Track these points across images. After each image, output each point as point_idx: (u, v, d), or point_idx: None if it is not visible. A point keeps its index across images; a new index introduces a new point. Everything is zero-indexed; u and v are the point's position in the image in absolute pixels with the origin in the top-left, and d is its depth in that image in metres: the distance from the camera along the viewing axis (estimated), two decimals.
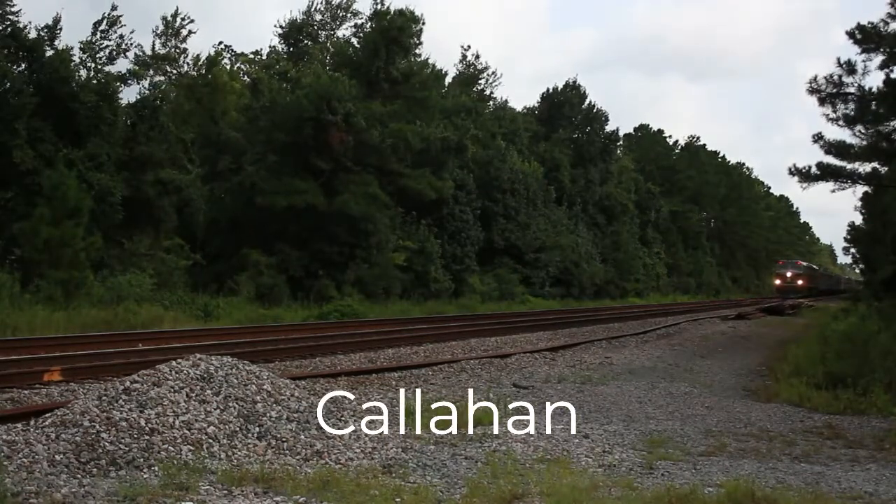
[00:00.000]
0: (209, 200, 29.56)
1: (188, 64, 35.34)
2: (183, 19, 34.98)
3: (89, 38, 26.98)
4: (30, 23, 25.04)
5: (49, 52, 24.77)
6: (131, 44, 27.91)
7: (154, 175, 26.04)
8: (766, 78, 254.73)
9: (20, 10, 24.38)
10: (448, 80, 45.01)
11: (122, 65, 31.45)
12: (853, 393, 10.29)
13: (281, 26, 39.13)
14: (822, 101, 18.55)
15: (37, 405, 8.35)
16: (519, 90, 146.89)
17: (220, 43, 47.38)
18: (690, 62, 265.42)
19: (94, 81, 25.64)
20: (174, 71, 35.33)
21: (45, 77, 24.03)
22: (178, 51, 35.00)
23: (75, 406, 6.40)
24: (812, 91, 18.57)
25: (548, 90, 54.26)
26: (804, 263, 66.92)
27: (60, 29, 25.38)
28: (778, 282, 62.32)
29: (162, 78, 34.64)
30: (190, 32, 35.20)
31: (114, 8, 27.70)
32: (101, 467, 5.65)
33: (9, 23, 24.21)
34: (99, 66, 26.94)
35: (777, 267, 66.46)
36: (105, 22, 27.42)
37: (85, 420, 6.05)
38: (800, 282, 60.34)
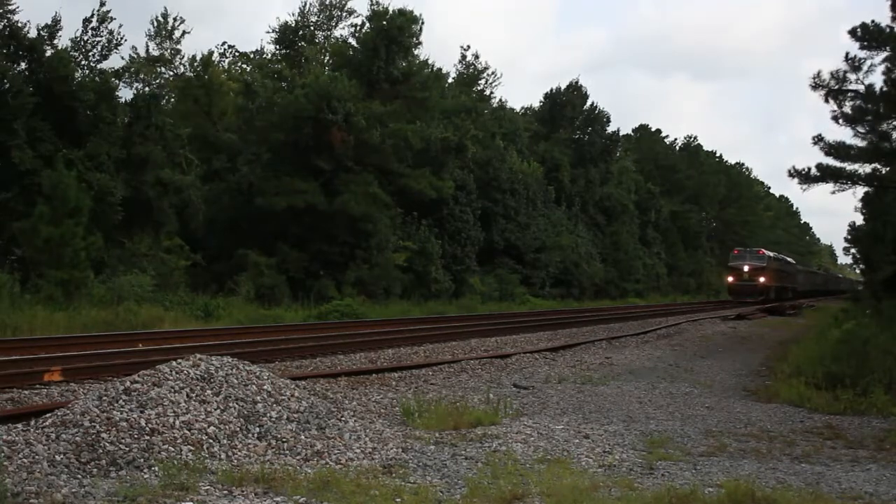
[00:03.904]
0: (207, 201, 29.57)
1: (184, 65, 35.40)
2: (175, 19, 35.04)
3: (80, 36, 26.92)
4: (28, 22, 25.04)
5: (48, 52, 24.76)
6: (122, 38, 27.72)
7: (154, 175, 26.05)
8: (772, 77, 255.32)
9: (18, 8, 24.42)
10: (450, 80, 45.03)
11: (115, 61, 31.45)
12: (853, 393, 10.28)
13: (274, 31, 39.07)
14: (826, 97, 18.62)
15: (37, 405, 8.35)
16: (527, 88, 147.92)
17: (224, 43, 47.54)
18: (696, 61, 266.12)
19: (95, 79, 25.63)
20: (170, 72, 35.35)
21: (45, 76, 24.03)
22: (172, 52, 35.01)
23: (75, 406, 6.40)
24: (816, 86, 18.62)
25: (550, 90, 54.43)
26: (770, 254, 49.69)
27: (60, 28, 25.41)
28: (731, 279, 47.46)
29: (158, 78, 34.63)
30: (184, 33, 35.26)
31: (102, 3, 27.38)
32: (102, 467, 5.65)
33: (8, 22, 24.22)
34: (93, 64, 26.94)
35: (731, 258, 49.11)
36: (95, 18, 27.28)
37: (85, 420, 6.05)
38: (762, 279, 45.72)
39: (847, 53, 18.34)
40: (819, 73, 18.58)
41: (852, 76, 18.23)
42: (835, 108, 18.67)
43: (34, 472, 5.41)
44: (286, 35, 38.61)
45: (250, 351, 13.12)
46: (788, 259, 57.83)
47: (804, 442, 8.03)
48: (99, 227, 22.94)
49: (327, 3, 39.88)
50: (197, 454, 5.97)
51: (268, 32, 48.49)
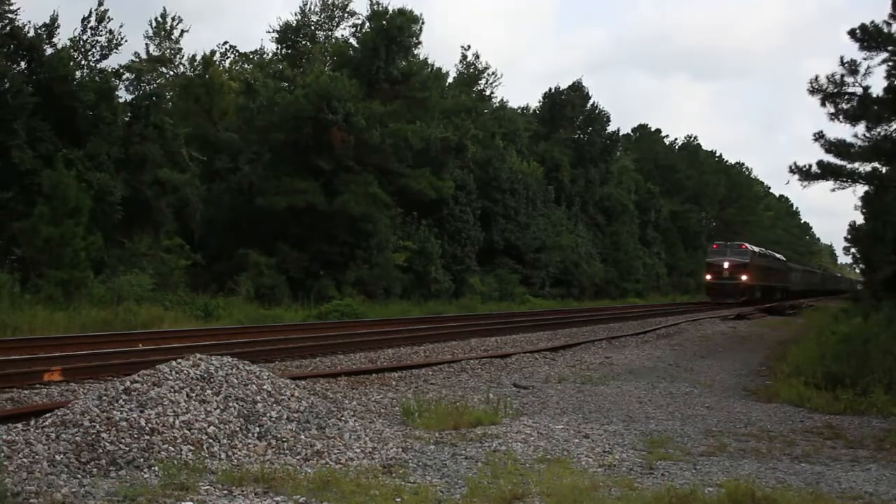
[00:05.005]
0: (208, 201, 29.57)
1: (184, 65, 35.33)
2: (173, 19, 34.95)
3: (79, 36, 26.90)
4: (29, 22, 25.07)
5: (48, 51, 24.77)
6: (122, 38, 27.68)
7: (152, 175, 26.05)
8: (772, 77, 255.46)
9: (19, 9, 24.41)
10: (450, 80, 45.05)
11: (115, 60, 31.42)
12: (853, 393, 10.29)
13: (275, 30, 39.02)
14: (823, 101, 18.58)
15: (37, 405, 8.35)
16: (527, 88, 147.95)
17: (224, 43, 47.54)
18: (697, 61, 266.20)
19: (95, 79, 25.63)
20: (170, 72, 35.28)
21: (45, 76, 24.02)
22: (172, 52, 34.93)
23: (75, 406, 6.40)
24: (813, 91, 18.59)
25: (550, 90, 54.42)
26: (755, 249, 45.51)
27: (58, 26, 25.40)
28: (708, 277, 43.34)
29: (160, 78, 34.55)
30: (183, 32, 35.19)
31: (100, 3, 27.30)
32: (101, 467, 5.65)
33: (8, 22, 24.21)
34: (93, 64, 26.94)
35: (709, 253, 45.19)
36: (94, 17, 27.24)
37: (85, 420, 6.05)
38: (744, 277, 41.56)
39: (841, 58, 18.31)
40: (816, 77, 18.57)
41: (849, 79, 18.20)
42: (832, 110, 18.64)
43: (34, 472, 5.41)
44: (287, 34, 38.58)
45: (250, 351, 13.12)
46: (777, 255, 53.47)
47: (804, 442, 8.03)
48: (99, 227, 22.94)
49: (329, 2, 39.85)
50: (197, 454, 5.97)
51: (268, 32, 48.53)
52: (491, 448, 7.04)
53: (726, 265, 41.90)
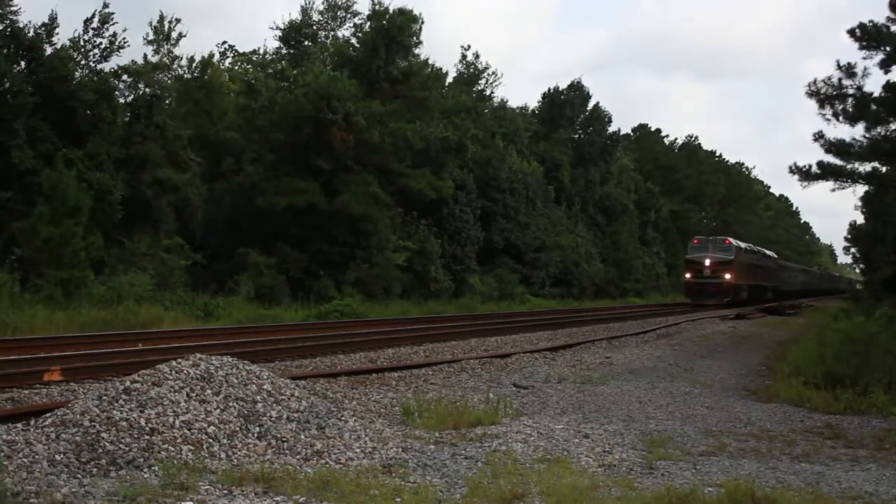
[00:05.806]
0: (207, 200, 29.56)
1: (182, 67, 35.28)
2: (170, 22, 34.86)
3: (79, 36, 26.88)
4: (29, 22, 25.06)
5: (48, 51, 24.77)
6: (125, 41, 27.63)
7: (152, 174, 26.06)
8: (773, 77, 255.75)
9: (19, 8, 24.40)
10: (450, 79, 45.05)
11: (115, 62, 31.36)
12: (853, 393, 10.29)
13: (280, 28, 39.03)
14: (821, 104, 18.54)
15: (37, 405, 8.35)
16: (527, 88, 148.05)
17: (224, 43, 47.47)
18: (699, 61, 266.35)
19: (94, 79, 25.63)
20: (170, 75, 35.23)
21: (44, 76, 24.02)
22: (171, 56, 34.87)
23: (75, 406, 6.40)
24: (811, 94, 18.56)
25: (550, 90, 54.37)
26: (740, 245, 42.04)
27: (58, 26, 25.38)
28: (688, 275, 40.04)
29: (155, 80, 34.47)
30: (181, 35, 35.10)
31: (105, 5, 27.28)
32: (101, 467, 5.65)
33: (8, 22, 24.22)
34: (93, 65, 26.94)
35: (689, 249, 41.58)
36: (97, 19, 27.23)
37: (85, 420, 6.05)
38: (727, 276, 38.39)
39: (837, 62, 18.27)
40: (815, 80, 18.54)
41: (847, 82, 18.17)
42: (830, 115, 18.59)
43: (34, 472, 5.41)
44: (290, 34, 38.55)
45: (250, 350, 13.11)
46: (767, 252, 50.04)
47: (804, 442, 8.03)
48: (99, 227, 22.94)
49: (332, 2, 39.81)
50: (197, 454, 5.97)
51: (271, 29, 48.48)
52: (491, 448, 7.04)
53: (707, 262, 38.90)
